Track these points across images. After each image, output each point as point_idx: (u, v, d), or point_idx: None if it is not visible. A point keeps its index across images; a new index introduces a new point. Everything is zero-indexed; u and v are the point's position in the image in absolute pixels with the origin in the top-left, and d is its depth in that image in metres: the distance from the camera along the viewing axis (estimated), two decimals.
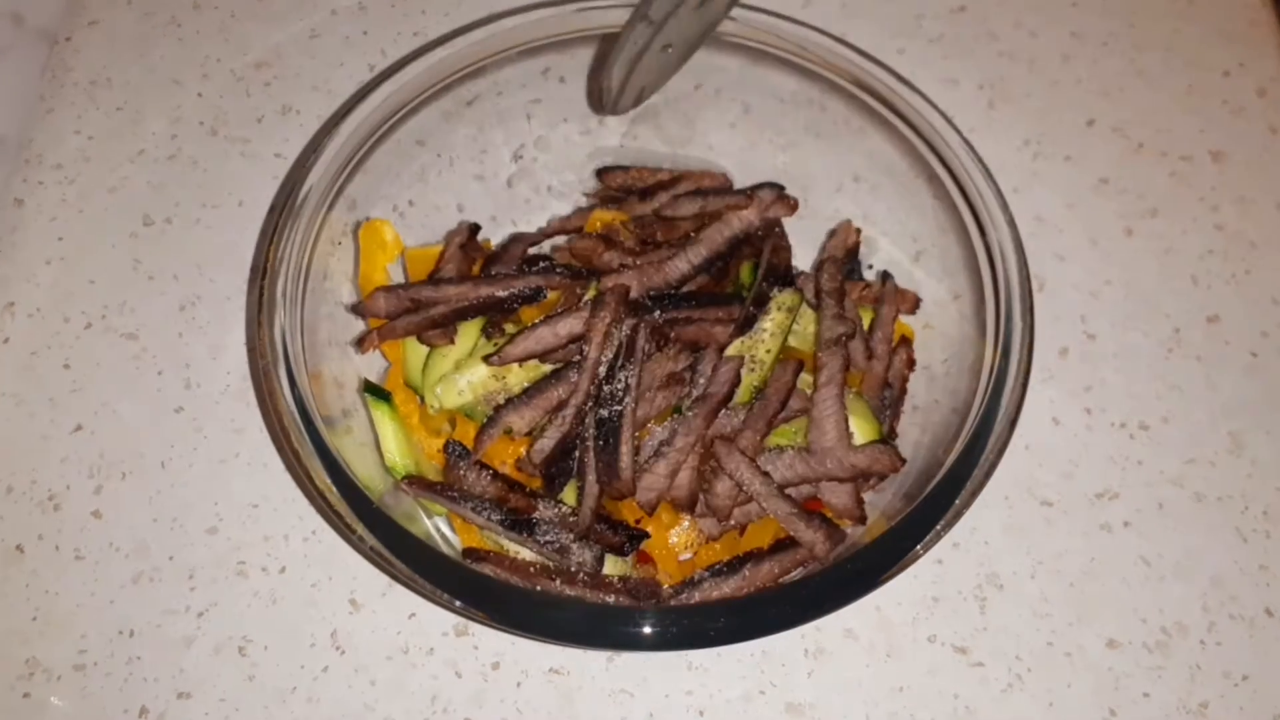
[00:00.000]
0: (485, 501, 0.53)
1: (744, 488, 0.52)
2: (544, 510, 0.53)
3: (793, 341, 0.58)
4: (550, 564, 0.52)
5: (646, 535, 0.53)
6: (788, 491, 0.53)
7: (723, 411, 0.54)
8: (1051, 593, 0.59)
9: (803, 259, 0.64)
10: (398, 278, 0.61)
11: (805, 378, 0.58)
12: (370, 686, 0.56)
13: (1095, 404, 0.64)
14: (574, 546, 0.52)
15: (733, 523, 0.55)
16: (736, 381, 0.55)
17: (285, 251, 0.53)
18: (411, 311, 0.57)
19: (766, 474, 0.52)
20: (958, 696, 0.56)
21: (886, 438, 0.57)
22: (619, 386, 0.53)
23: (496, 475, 0.53)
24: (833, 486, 0.54)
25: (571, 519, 0.53)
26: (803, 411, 0.56)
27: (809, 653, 0.57)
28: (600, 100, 0.56)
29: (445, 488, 0.53)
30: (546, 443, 0.53)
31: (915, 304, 0.61)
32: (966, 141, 0.55)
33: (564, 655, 0.57)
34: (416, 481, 0.54)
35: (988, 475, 0.48)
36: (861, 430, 0.55)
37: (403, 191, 0.62)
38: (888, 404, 0.59)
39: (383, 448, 0.56)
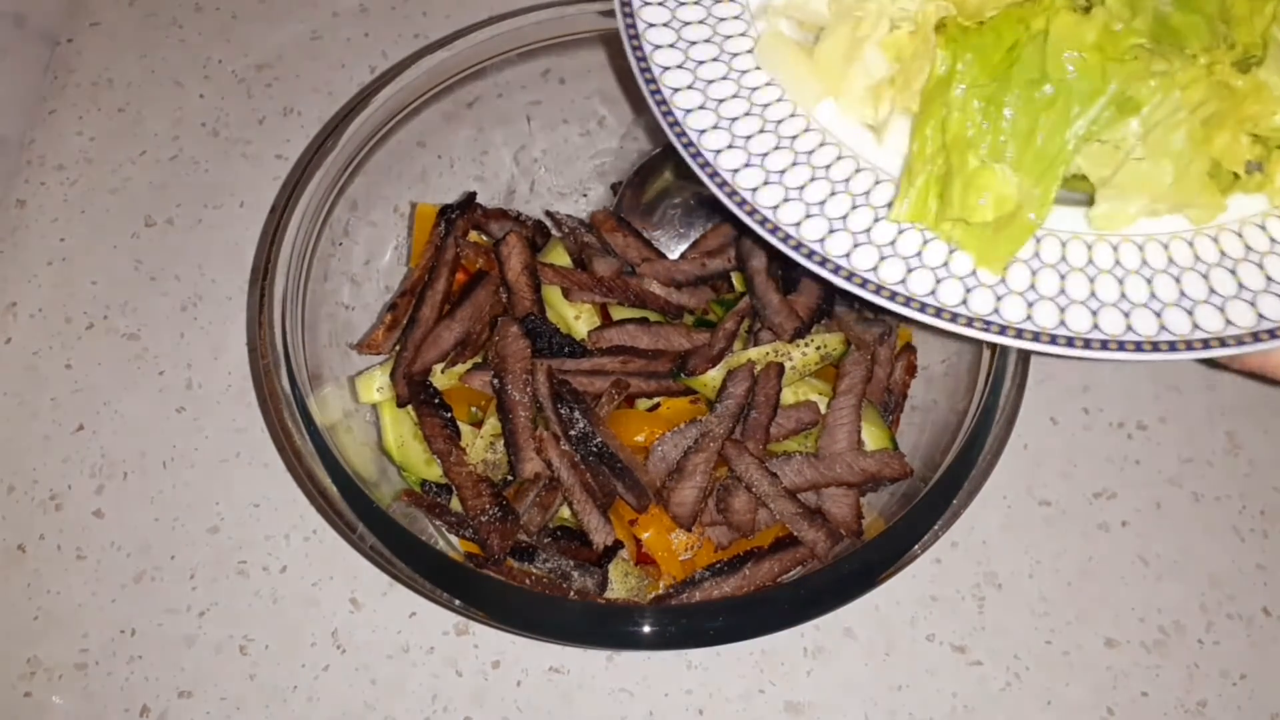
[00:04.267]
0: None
1: (752, 489, 0.53)
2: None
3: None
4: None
5: (621, 546, 0.54)
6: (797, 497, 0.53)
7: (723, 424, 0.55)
8: (1050, 592, 0.59)
9: None
10: None
11: (818, 384, 0.58)
12: (371, 685, 0.56)
13: (1093, 404, 0.64)
14: (575, 573, 0.52)
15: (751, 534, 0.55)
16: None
17: (286, 252, 0.53)
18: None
19: (774, 475, 0.53)
20: (956, 695, 0.56)
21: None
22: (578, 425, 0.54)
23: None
24: (835, 497, 0.54)
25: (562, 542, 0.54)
26: (813, 424, 0.56)
27: (808, 652, 0.57)
28: None
29: (445, 510, 0.54)
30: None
31: None
32: None
33: (564, 654, 0.57)
34: (416, 497, 0.54)
35: (985, 475, 0.49)
36: (872, 438, 0.56)
37: (404, 192, 0.62)
38: (889, 410, 0.59)
39: (384, 441, 0.56)
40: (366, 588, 0.59)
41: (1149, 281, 0.40)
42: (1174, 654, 0.57)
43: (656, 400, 0.58)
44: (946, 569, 0.59)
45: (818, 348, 0.56)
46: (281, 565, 0.59)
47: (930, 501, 0.48)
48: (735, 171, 0.41)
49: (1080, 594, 0.59)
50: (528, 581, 0.52)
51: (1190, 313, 0.39)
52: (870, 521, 0.54)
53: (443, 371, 0.57)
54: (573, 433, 0.53)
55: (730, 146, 0.42)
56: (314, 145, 0.71)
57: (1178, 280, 0.40)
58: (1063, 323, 0.39)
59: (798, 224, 0.40)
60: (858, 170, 0.42)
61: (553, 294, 0.59)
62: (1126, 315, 0.39)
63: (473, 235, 0.61)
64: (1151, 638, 0.58)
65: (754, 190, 0.41)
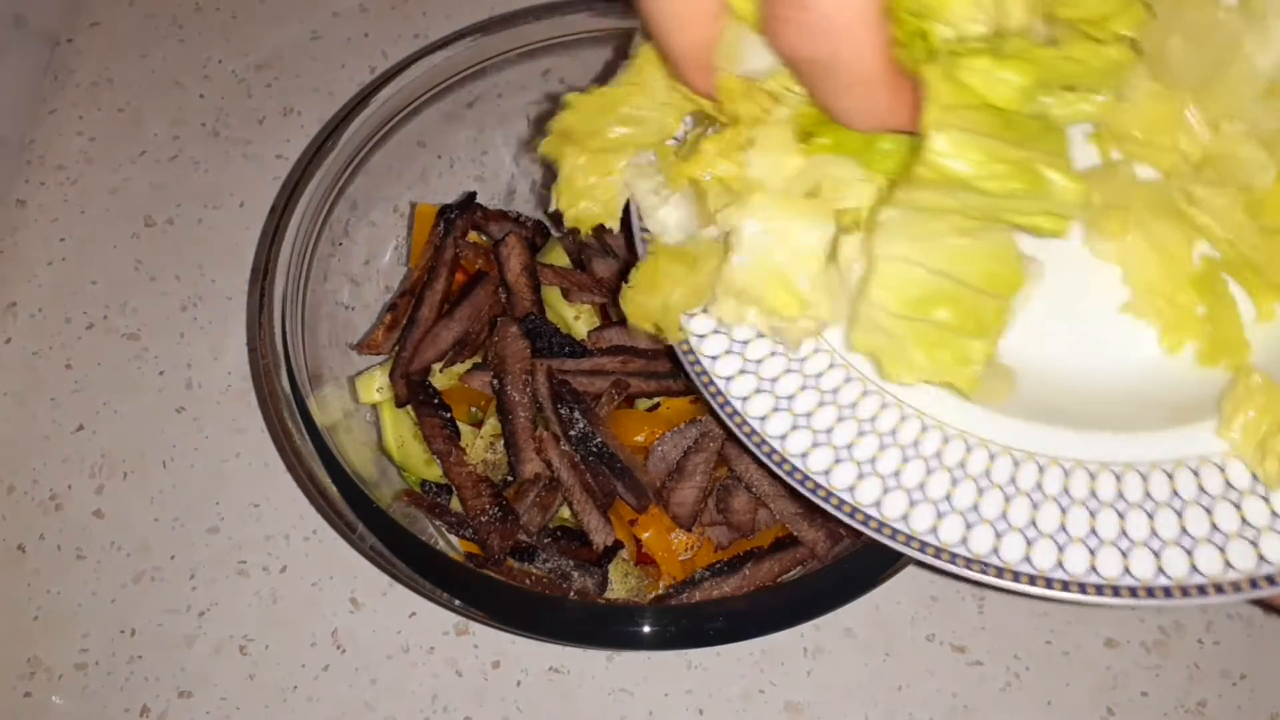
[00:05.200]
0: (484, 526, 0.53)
1: (752, 489, 0.53)
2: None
3: None
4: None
5: (621, 546, 0.54)
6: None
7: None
8: None
9: None
10: None
11: None
12: (371, 685, 0.56)
13: None
14: (575, 573, 0.52)
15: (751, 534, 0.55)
16: None
17: (286, 252, 0.53)
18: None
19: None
20: (956, 695, 0.56)
21: None
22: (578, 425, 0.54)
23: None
24: None
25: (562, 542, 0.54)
26: None
27: (808, 652, 0.57)
28: None
29: (445, 510, 0.54)
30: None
31: None
32: None
33: (564, 654, 0.57)
34: (416, 497, 0.54)
35: None
36: None
37: (404, 193, 0.62)
38: None
39: (384, 441, 0.56)
40: (366, 588, 0.59)
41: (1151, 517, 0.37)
42: (1174, 654, 0.57)
43: (656, 400, 0.58)
44: None
45: None
46: (281, 565, 0.59)
47: None
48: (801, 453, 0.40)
49: None
50: (528, 581, 0.52)
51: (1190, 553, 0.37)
52: None
53: (441, 371, 0.57)
54: (573, 433, 0.53)
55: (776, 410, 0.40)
56: (314, 145, 0.71)
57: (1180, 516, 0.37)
58: (1060, 564, 0.37)
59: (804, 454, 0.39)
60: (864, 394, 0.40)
61: (552, 294, 0.58)
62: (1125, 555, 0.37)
63: (472, 235, 0.61)
64: (1151, 638, 0.58)
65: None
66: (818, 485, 0.38)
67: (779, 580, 0.52)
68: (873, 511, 0.38)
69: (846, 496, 0.38)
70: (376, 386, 0.57)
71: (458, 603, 0.46)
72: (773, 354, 0.41)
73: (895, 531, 0.38)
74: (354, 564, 0.59)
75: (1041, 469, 0.38)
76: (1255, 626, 0.58)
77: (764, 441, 0.39)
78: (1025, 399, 0.39)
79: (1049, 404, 0.39)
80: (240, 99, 0.74)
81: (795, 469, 0.39)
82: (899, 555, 0.46)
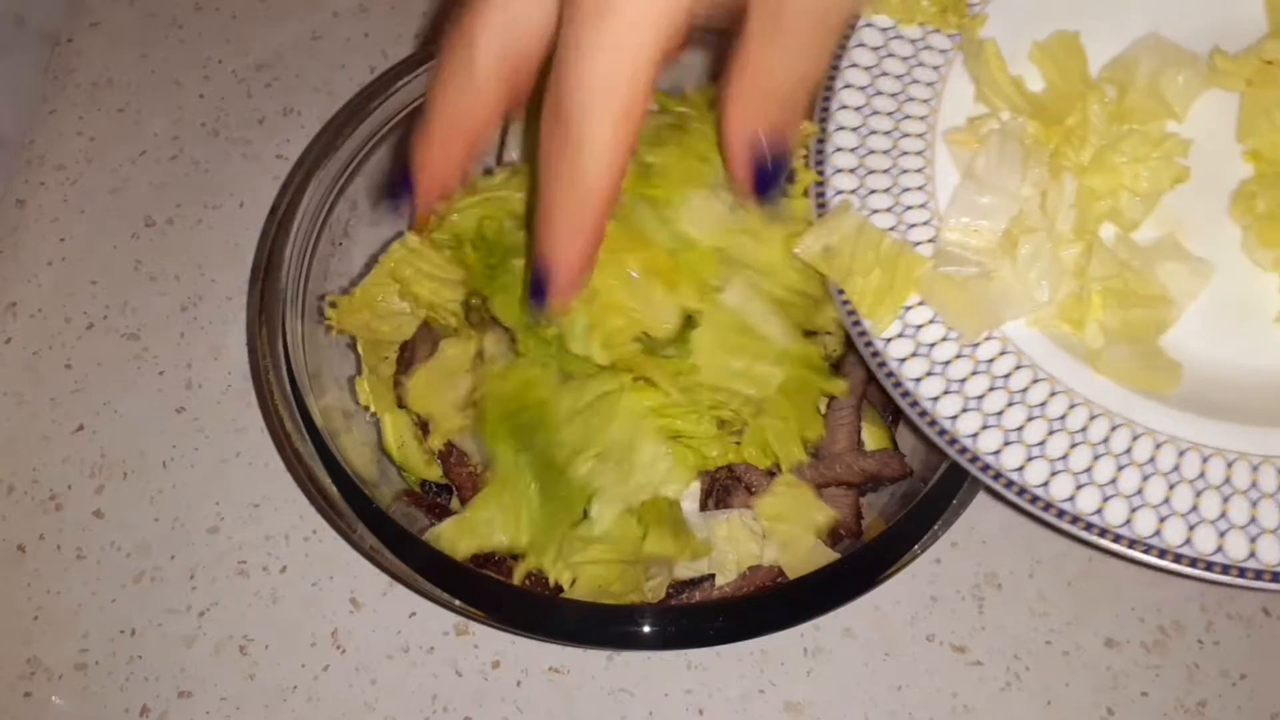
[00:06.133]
0: None
1: (752, 489, 0.52)
2: None
3: None
4: None
5: None
6: None
7: None
8: (1050, 592, 0.59)
9: None
10: None
11: None
12: (371, 685, 0.56)
13: None
14: None
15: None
16: None
17: (286, 252, 0.53)
18: None
19: (774, 475, 0.53)
20: (956, 695, 0.56)
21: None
22: None
23: None
24: (835, 497, 0.54)
25: None
26: None
27: (808, 652, 0.57)
28: None
29: (445, 511, 0.54)
30: None
31: None
32: None
33: (564, 654, 0.57)
34: (416, 497, 0.54)
35: None
36: (873, 437, 0.55)
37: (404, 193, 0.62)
38: (888, 411, 0.59)
39: (385, 442, 0.56)
40: (366, 588, 0.59)
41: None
42: (1174, 654, 0.57)
43: None
44: (946, 569, 0.59)
45: (819, 348, 0.56)
46: (281, 565, 0.59)
47: (930, 501, 0.48)
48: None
49: (1080, 594, 0.59)
50: (528, 581, 0.52)
51: None
52: (870, 521, 0.54)
53: None
54: None
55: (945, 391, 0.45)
56: (314, 145, 0.71)
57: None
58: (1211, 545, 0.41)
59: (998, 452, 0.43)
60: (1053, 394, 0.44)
61: None
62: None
63: None
64: (1152, 638, 0.58)
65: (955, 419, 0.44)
66: (986, 465, 0.44)
67: (779, 580, 0.52)
68: (1040, 492, 0.42)
69: (1015, 477, 0.43)
70: None
71: (458, 603, 0.46)
72: (944, 339, 0.45)
73: (1048, 505, 0.42)
74: (354, 564, 0.59)
75: (1205, 459, 0.42)
76: (1255, 626, 0.58)
77: (934, 421, 0.44)
78: (1184, 392, 0.43)
79: (1206, 398, 0.43)
80: (240, 99, 0.74)
81: (965, 449, 0.44)
82: (898, 555, 0.47)
